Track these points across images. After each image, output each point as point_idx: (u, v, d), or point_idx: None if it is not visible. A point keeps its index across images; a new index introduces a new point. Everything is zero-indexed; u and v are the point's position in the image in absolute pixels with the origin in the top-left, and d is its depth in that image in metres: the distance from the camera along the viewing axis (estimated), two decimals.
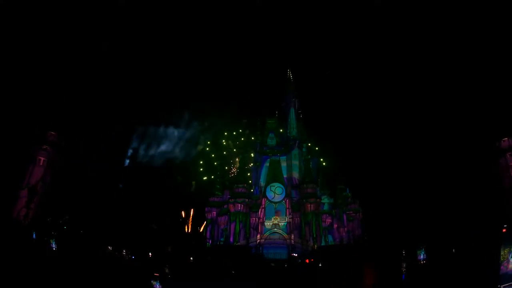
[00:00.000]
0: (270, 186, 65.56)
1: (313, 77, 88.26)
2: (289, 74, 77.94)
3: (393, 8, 75.13)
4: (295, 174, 68.53)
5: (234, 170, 76.70)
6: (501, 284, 31.14)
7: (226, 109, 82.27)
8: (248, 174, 70.63)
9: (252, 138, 76.26)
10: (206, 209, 68.23)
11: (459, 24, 70.62)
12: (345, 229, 65.44)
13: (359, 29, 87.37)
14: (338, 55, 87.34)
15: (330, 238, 64.07)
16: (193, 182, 76.15)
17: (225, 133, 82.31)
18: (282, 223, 62.37)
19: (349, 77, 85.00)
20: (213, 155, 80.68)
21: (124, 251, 34.26)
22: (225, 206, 65.91)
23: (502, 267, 30.90)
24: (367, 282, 39.89)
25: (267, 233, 61.47)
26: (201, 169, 79.52)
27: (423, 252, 36.36)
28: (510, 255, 29.91)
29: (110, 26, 76.99)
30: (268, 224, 62.42)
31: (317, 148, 75.38)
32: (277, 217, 62.72)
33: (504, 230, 33.63)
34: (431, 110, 70.64)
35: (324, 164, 75.55)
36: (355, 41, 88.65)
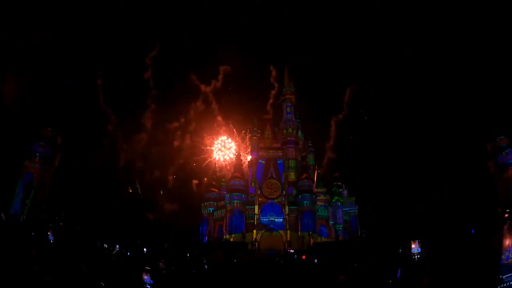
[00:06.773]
0: (267, 183, 65.66)
1: (310, 73, 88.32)
2: (286, 71, 77.60)
3: (391, 7, 75.22)
4: (291, 171, 68.54)
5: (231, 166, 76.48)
6: (503, 275, 30.63)
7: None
8: (245, 170, 70.60)
9: (249, 134, 76.06)
10: (202, 204, 68.39)
11: (458, 23, 70.71)
12: (341, 225, 65.62)
13: (357, 26, 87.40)
14: (335, 52, 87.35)
15: (326, 234, 64.23)
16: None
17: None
18: (278, 220, 62.48)
19: (345, 73, 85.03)
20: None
21: (118, 246, 34.39)
22: (222, 203, 66.08)
23: (502, 257, 30.57)
24: (363, 278, 40.00)
25: (263, 230, 61.58)
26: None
27: (418, 247, 36.31)
28: None
29: (108, 23, 76.87)
30: (264, 220, 62.50)
31: (313, 145, 75.32)
32: (273, 213, 62.79)
33: (506, 215, 33.27)
34: (423, 105, 70.91)
35: (320, 160, 75.55)
36: (352, 38, 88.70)
